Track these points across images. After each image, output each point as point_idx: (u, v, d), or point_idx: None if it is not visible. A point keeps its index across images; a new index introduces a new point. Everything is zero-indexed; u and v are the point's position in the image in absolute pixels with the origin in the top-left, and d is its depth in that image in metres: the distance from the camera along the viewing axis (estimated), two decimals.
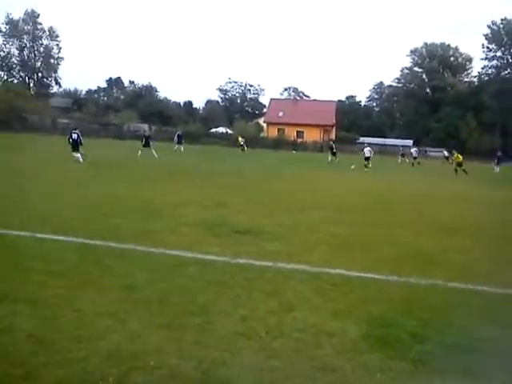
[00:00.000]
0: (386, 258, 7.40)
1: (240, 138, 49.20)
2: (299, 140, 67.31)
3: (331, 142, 39.89)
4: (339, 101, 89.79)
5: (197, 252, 6.99)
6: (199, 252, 7.01)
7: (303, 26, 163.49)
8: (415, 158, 42.21)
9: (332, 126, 74.17)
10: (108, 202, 11.20)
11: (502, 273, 6.93)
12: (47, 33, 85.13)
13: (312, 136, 68.56)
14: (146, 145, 29.21)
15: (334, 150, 36.03)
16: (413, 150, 43.99)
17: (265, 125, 76.04)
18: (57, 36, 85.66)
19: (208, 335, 4.26)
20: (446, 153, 46.88)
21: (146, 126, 66.51)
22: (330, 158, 35.37)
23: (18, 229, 7.64)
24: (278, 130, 70.65)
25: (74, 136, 21.77)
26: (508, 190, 22.64)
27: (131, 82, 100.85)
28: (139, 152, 27.68)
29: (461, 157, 32.41)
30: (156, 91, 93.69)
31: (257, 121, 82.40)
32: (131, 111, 73.18)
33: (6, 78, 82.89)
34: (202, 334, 4.28)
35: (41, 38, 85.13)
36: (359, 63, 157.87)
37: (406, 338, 4.45)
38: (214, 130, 72.39)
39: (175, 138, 39.56)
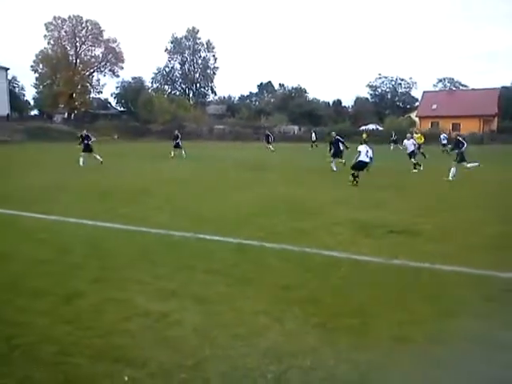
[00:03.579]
0: None
1: (364, 135, 49.50)
2: (455, 133, 62.96)
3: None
4: (503, 87, 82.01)
5: (350, 252, 6.93)
6: (352, 252, 6.93)
7: (454, 10, 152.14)
8: (444, 145, 35.16)
9: (494, 116, 68.18)
10: (259, 203, 11.65)
11: None
12: (205, 46, 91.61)
13: (469, 128, 63.71)
14: (176, 146, 29.33)
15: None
16: (442, 136, 37.46)
17: (417, 119, 72.62)
18: (213, 48, 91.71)
19: (363, 338, 4.18)
20: None
21: (296, 128, 67.97)
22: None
23: (183, 230, 8.28)
24: (432, 123, 66.98)
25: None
26: None
27: (281, 85, 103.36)
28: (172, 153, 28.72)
29: (423, 138, 28.94)
30: (305, 92, 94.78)
31: (409, 115, 78.99)
32: (281, 114, 75.05)
33: (169, 90, 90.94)
34: (357, 336, 4.21)
35: (199, 51, 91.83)
36: None
37: None
38: (363, 127, 71.08)
39: (264, 138, 38.97)
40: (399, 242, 7.63)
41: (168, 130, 55.19)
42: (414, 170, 20.38)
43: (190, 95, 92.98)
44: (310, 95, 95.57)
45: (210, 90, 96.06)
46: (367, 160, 15.60)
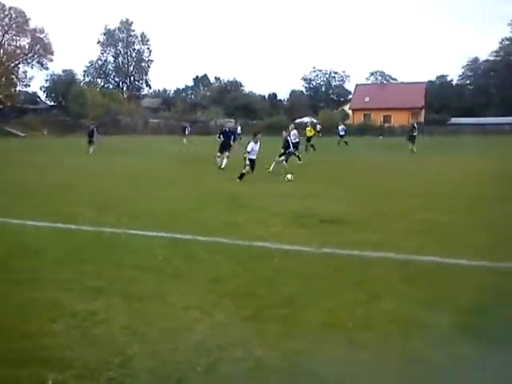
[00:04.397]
0: (481, 244, 7.01)
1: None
2: (386, 125, 65.35)
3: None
4: (429, 81, 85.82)
5: (282, 243, 7.03)
6: (285, 243, 7.04)
7: (386, 5, 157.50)
8: (341, 136, 36.18)
9: (421, 109, 71.24)
10: (192, 197, 11.61)
11: None
12: (139, 38, 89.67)
13: (400, 120, 66.30)
14: (90, 141, 27.87)
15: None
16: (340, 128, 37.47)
17: (350, 111, 74.65)
18: (147, 40, 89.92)
19: (293, 326, 4.25)
20: None
21: (232, 121, 68.03)
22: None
23: (112, 226, 8.10)
24: (364, 115, 69.11)
25: None
26: None
27: (217, 79, 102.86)
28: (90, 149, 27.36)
29: (313, 131, 29.49)
30: (241, 86, 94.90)
31: (342, 108, 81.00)
32: (217, 107, 74.83)
33: (102, 84, 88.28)
34: (287, 325, 4.28)
35: (133, 43, 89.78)
36: (450, 39, 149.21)
37: (501, 328, 4.18)
38: (298, 120, 72.17)
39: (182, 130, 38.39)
40: (330, 231, 7.84)
41: (101, 124, 53.75)
42: (299, 162, 19.96)
43: (124, 88, 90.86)
44: (246, 88, 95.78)
45: (144, 84, 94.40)
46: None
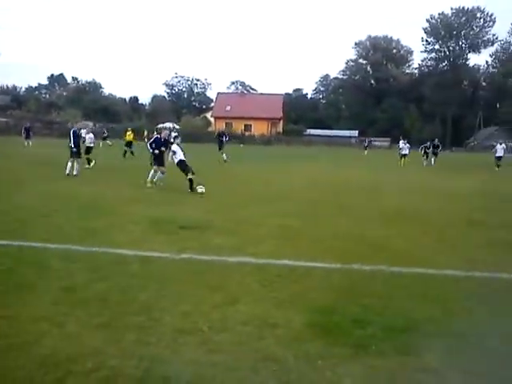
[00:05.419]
0: (330, 247, 7.53)
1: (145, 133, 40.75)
2: (247, 133, 67.52)
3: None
4: (286, 94, 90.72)
5: (141, 249, 6.89)
6: (143, 249, 6.91)
7: (248, 18, 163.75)
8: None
9: (279, 119, 74.84)
10: (44, 201, 10.88)
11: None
12: None
13: (260, 129, 68.95)
14: None
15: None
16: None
17: (212, 119, 75.79)
18: None
19: (149, 333, 4.20)
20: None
21: (90, 124, 64.92)
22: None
23: None
24: (226, 123, 70.62)
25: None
26: None
27: (74, 79, 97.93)
28: None
29: (132, 135, 27.96)
30: (100, 87, 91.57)
31: (204, 115, 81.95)
32: (75, 109, 71.11)
33: None
34: (142, 332, 4.21)
35: None
36: (305, 56, 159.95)
37: (347, 324, 4.53)
38: (161, 125, 71.34)
39: (23, 131, 35.43)
40: (190, 237, 7.86)
41: None
42: (87, 166, 19.17)
43: None
44: (106, 90, 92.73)
45: None
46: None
